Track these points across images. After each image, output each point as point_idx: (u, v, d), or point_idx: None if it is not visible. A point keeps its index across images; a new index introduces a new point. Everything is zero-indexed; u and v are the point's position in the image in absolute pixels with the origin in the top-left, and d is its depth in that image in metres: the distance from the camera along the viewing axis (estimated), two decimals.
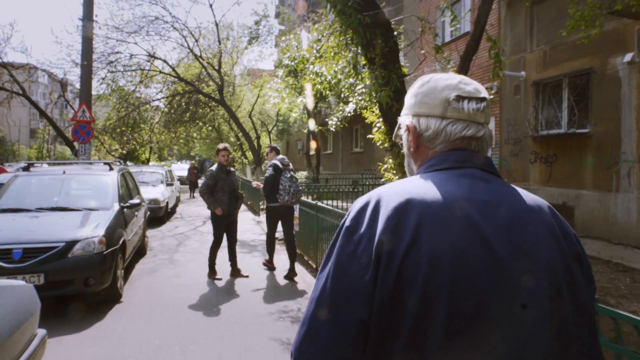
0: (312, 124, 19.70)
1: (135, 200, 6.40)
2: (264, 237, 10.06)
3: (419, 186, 0.91)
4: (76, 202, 6.00)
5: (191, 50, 16.82)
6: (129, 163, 29.50)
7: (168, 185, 13.63)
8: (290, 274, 6.56)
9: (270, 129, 29.11)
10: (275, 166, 6.50)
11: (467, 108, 0.98)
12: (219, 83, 17.23)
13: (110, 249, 5.26)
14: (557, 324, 0.86)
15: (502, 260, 0.84)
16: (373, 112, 7.27)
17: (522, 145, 10.46)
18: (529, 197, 0.96)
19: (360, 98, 6.75)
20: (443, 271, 0.81)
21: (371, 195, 0.93)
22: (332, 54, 6.75)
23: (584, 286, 0.92)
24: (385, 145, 7.14)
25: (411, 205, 0.86)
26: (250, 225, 12.18)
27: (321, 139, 17.70)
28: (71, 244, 4.97)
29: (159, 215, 12.19)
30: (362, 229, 0.88)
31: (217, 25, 16.71)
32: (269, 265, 7.13)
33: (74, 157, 14.57)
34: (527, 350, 0.83)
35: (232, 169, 6.88)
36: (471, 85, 1.01)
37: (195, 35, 16.81)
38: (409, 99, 1.07)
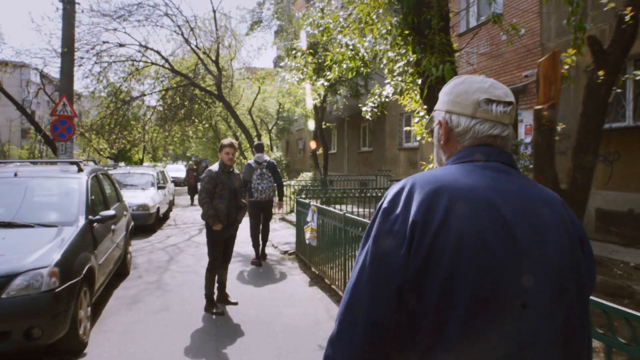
0: (311, 124, 18.22)
1: (109, 212, 4.85)
2: (271, 250, 8.61)
3: (449, 175, 1.02)
4: (26, 216, 4.46)
5: (186, 40, 15.28)
6: (121, 164, 27.92)
7: (160, 188, 12.08)
8: (263, 256, 7.73)
9: (270, 128, 27.59)
10: (248, 165, 7.27)
11: (495, 110, 1.10)
12: (217, 75, 15.70)
13: (68, 283, 3.73)
14: (564, 298, 0.97)
15: (520, 240, 0.96)
16: (412, 98, 5.73)
17: (572, 141, 8.97)
18: (544, 190, 1.09)
19: (399, 79, 5.24)
20: (468, 248, 0.92)
21: (406, 181, 1.04)
22: (363, 23, 5.23)
23: (585, 265, 1.03)
24: (430, 139, 5.64)
25: (441, 191, 0.97)
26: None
27: (321, 139, 16.14)
28: (7, 278, 3.45)
29: (149, 223, 10.65)
30: (398, 210, 0.99)
31: (214, 11, 15.19)
32: (256, 261, 7.40)
33: (55, 156, 12.99)
34: (541, 325, 0.94)
35: (235, 170, 5.39)
36: (501, 90, 1.12)
37: (191, 24, 15.31)
38: (443, 96, 1.18)
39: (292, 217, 12.46)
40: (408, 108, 5.66)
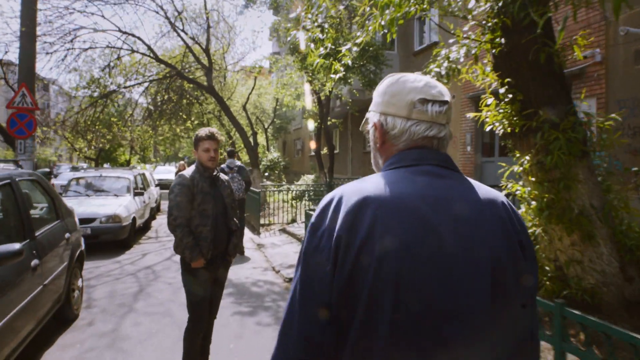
0: (311, 125, 16.34)
1: (9, 248, 2.89)
2: (271, 277, 6.64)
3: (376, 185, 0.96)
4: None
5: (171, 23, 13.36)
6: (106, 165, 25.96)
7: (138, 194, 10.17)
8: (240, 249, 7.22)
9: (266, 126, 25.68)
10: (221, 169, 6.74)
11: (430, 110, 1.04)
12: (207, 66, 13.82)
13: None
14: (502, 311, 0.92)
15: (450, 250, 0.89)
16: (481, 70, 3.87)
17: None
18: (484, 190, 1.01)
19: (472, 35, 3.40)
20: (391, 264, 0.87)
21: (335, 194, 0.99)
22: None
23: (526, 269, 0.96)
24: (507, 129, 3.80)
25: (366, 203, 0.92)
26: (248, 251, 8.75)
27: (326, 137, 14.23)
28: None
29: (121, 237, 8.73)
30: (325, 225, 0.94)
31: None
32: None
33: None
34: (475, 340, 0.88)
35: (221, 175, 3.56)
36: (436, 88, 1.06)
37: (178, 7, 13.45)
38: (376, 97, 1.13)
39: (295, 228, 10.55)
40: (481, 83, 3.84)
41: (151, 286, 6.29)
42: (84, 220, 8.33)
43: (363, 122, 1.20)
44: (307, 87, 15.31)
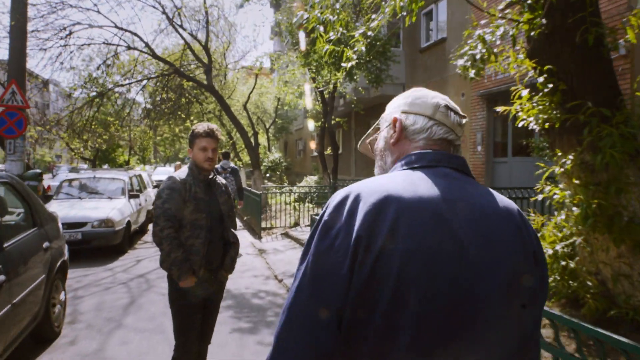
0: (311, 125, 15.83)
1: None
2: (273, 286, 6.03)
3: (396, 183, 0.92)
4: None
5: (168, 18, 12.87)
6: (105, 167, 25.50)
7: (133, 196, 9.66)
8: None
9: (267, 126, 25.19)
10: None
11: (452, 118, 1.06)
12: (206, 62, 13.34)
13: None
14: (515, 314, 0.91)
15: (471, 256, 0.88)
16: (513, 57, 3.38)
17: None
18: (499, 198, 1.01)
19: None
20: (415, 266, 0.84)
21: (350, 190, 0.93)
22: None
23: (539, 278, 0.96)
24: (544, 125, 3.31)
25: (388, 202, 0.88)
26: (249, 258, 8.25)
27: (330, 137, 13.72)
28: None
29: (114, 243, 8.23)
30: (340, 224, 0.89)
31: None
32: None
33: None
34: (494, 340, 0.89)
35: (219, 178, 3.06)
36: (454, 105, 1.09)
37: (177, 3, 12.97)
38: (398, 100, 1.12)
39: (298, 232, 10.04)
40: (515, 71, 3.34)
41: (143, 297, 5.79)
42: (75, 225, 7.86)
43: (369, 131, 1.19)
44: (307, 87, 14.81)
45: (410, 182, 0.93)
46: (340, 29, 3.49)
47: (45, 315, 4.13)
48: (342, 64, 3.84)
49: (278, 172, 23.45)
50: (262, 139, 25.36)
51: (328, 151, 14.11)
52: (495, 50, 3.32)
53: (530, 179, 9.65)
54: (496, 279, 0.89)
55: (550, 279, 3.83)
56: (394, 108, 1.12)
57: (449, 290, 0.85)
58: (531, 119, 3.49)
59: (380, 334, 0.84)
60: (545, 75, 3.10)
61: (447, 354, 0.85)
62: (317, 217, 0.95)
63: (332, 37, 3.44)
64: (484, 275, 0.88)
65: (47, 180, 16.53)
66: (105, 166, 26.33)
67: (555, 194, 3.46)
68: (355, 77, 10.70)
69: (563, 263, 3.76)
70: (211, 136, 2.83)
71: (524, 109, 3.29)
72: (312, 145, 24.88)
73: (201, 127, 2.84)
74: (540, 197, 3.52)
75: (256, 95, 21.59)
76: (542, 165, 3.65)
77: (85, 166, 27.67)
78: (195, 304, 2.79)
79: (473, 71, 3.37)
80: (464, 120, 1.08)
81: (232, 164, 8.43)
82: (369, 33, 3.53)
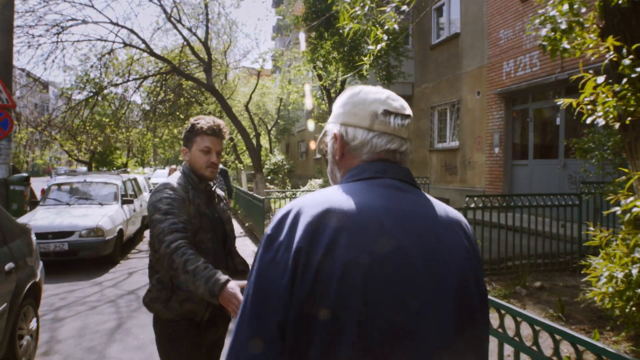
0: (311, 125, 15.20)
1: None
2: None
3: (338, 196, 0.93)
4: None
5: (167, 14, 12.22)
6: (103, 170, 24.87)
7: (126, 202, 8.97)
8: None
9: (269, 128, 24.52)
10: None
11: (393, 123, 1.02)
12: (205, 60, 12.67)
13: None
14: (467, 331, 0.91)
15: (414, 267, 0.88)
16: (582, 36, 2.66)
17: None
18: (446, 208, 1.01)
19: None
20: (355, 277, 0.83)
21: (293, 205, 0.94)
22: None
23: (484, 291, 0.99)
24: (622, 120, 2.61)
25: (329, 214, 0.88)
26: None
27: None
28: None
29: (104, 253, 7.54)
30: (282, 237, 0.89)
31: None
32: None
33: None
34: (436, 354, 0.87)
35: (220, 192, 2.35)
36: (398, 101, 1.06)
37: None
38: (337, 108, 1.09)
39: None
40: (592, 52, 2.66)
41: (132, 319, 5.10)
42: (61, 234, 7.18)
43: (320, 135, 1.15)
44: (307, 88, 14.14)
45: (353, 194, 0.93)
46: (369, 1, 2.80)
47: (10, 349, 3.44)
48: (369, 47, 3.16)
49: (280, 175, 22.75)
50: (264, 141, 24.69)
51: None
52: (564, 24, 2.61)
53: (553, 183, 8.97)
54: (444, 295, 0.89)
55: (623, 308, 3.14)
56: (335, 117, 1.09)
57: (391, 300, 0.85)
58: (601, 113, 2.79)
59: (321, 349, 0.83)
60: (631, 57, 2.42)
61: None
62: None
63: (357, 13, 2.77)
64: (431, 284, 0.88)
65: (42, 184, 15.82)
66: (104, 169, 25.66)
67: (635, 206, 2.77)
68: (366, 74, 9.99)
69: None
70: (217, 135, 2.13)
71: (599, 100, 2.61)
72: (312, 145, 24.21)
73: (204, 121, 2.13)
74: (617, 210, 2.83)
75: (258, 95, 20.94)
76: (627, 170, 2.96)
77: (84, 169, 27.01)
78: (193, 348, 2.09)
79: (565, 44, 2.58)
80: (407, 121, 1.05)
81: (220, 165, 8.16)
82: (404, 7, 2.85)
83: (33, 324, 3.96)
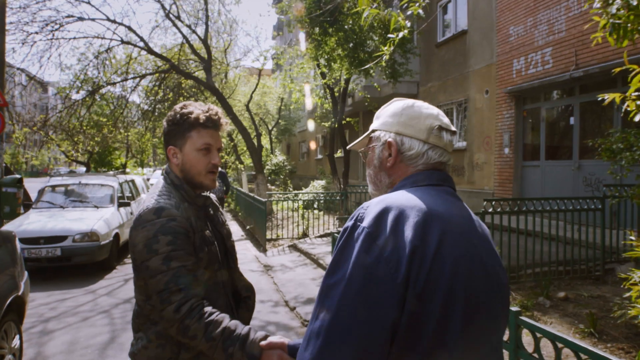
0: (312, 125, 14.85)
1: None
2: (284, 317, 5.05)
3: (425, 199, 0.97)
4: None
5: (166, 11, 11.87)
6: (103, 170, 24.54)
7: (123, 204, 8.63)
8: None
9: (270, 128, 24.17)
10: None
11: (445, 138, 1.10)
12: (205, 58, 12.33)
13: None
14: (505, 314, 1.07)
15: (489, 271, 0.99)
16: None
17: None
18: (475, 216, 1.09)
19: None
20: (461, 274, 0.91)
21: (387, 202, 0.94)
22: None
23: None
24: None
25: (432, 217, 0.93)
26: (253, 276, 7.18)
27: (341, 138, 12.67)
28: None
29: (99, 258, 7.20)
30: (386, 234, 0.89)
31: None
32: None
33: None
34: (496, 342, 1.03)
35: (212, 195, 1.84)
36: (446, 118, 1.14)
37: None
38: (388, 117, 1.14)
39: (307, 245, 9.00)
40: None
41: (126, 331, 4.75)
42: (53, 239, 6.85)
43: (359, 139, 1.21)
44: (307, 88, 13.80)
45: (434, 199, 0.98)
46: None
47: None
48: (390, 35, 2.81)
49: (282, 176, 22.39)
50: (265, 141, 24.32)
51: (338, 154, 13.07)
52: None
53: (566, 185, 8.62)
54: (502, 294, 1.02)
55: None
56: (386, 125, 1.13)
57: (483, 305, 0.94)
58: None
59: (431, 340, 0.86)
60: None
61: (484, 344, 0.97)
62: (343, 232, 0.93)
63: None
64: (496, 289, 0.99)
65: (40, 185, 15.45)
66: (104, 170, 25.28)
67: None
68: (371, 72, 9.67)
69: None
70: (217, 126, 1.65)
71: None
72: (312, 146, 23.86)
73: (198, 110, 1.62)
74: None
75: (258, 95, 20.59)
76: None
77: (84, 169, 26.63)
78: None
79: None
80: (454, 138, 1.12)
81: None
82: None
83: (16, 342, 3.61)
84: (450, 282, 0.88)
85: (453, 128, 1.12)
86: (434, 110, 1.12)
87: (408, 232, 0.88)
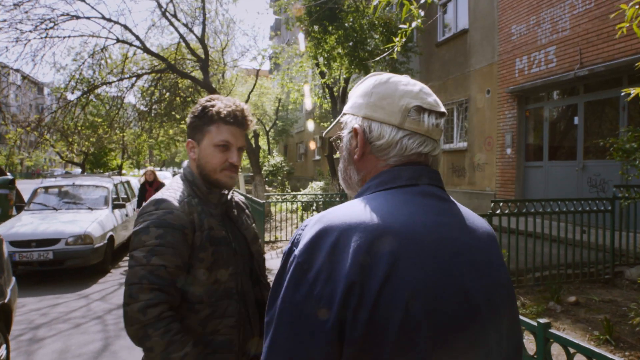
0: (310, 125, 14.72)
1: None
2: None
3: (382, 212, 0.76)
4: None
5: (162, 9, 11.69)
6: (101, 170, 24.30)
7: (118, 206, 8.42)
8: None
9: (268, 129, 24.00)
10: None
11: (427, 122, 0.86)
12: (202, 57, 12.15)
13: None
14: (513, 339, 0.86)
15: (471, 289, 0.77)
16: None
17: None
18: (476, 217, 0.89)
19: None
20: (421, 307, 0.71)
21: (326, 222, 0.76)
22: None
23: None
24: None
25: (380, 237, 0.73)
26: None
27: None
28: None
29: (93, 262, 6.99)
30: (317, 266, 0.72)
31: None
32: None
33: None
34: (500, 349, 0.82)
35: (237, 196, 1.73)
36: (432, 96, 0.89)
37: None
38: (358, 97, 0.91)
39: None
40: None
41: (120, 339, 4.56)
42: (45, 242, 6.63)
43: (331, 125, 0.99)
44: (306, 88, 13.63)
45: (398, 207, 0.78)
46: None
47: None
48: (401, 26, 2.65)
49: (280, 177, 22.21)
50: (262, 142, 24.14)
51: (337, 155, 12.88)
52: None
53: (570, 186, 8.48)
54: (499, 319, 0.81)
55: None
56: (354, 108, 0.91)
57: (456, 330, 0.73)
58: None
59: None
60: None
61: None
62: (283, 255, 0.77)
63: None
64: (487, 316, 0.78)
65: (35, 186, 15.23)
66: (100, 171, 25.03)
67: None
68: (371, 71, 9.50)
69: None
70: (241, 124, 1.53)
71: None
72: (312, 146, 23.68)
73: (222, 104, 1.51)
74: None
75: (256, 96, 20.42)
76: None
77: (79, 171, 26.37)
78: None
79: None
80: (442, 120, 0.88)
81: None
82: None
83: (2, 351, 3.41)
84: (406, 314, 0.70)
85: (441, 109, 0.88)
86: (414, 86, 0.88)
87: (345, 263, 0.71)
